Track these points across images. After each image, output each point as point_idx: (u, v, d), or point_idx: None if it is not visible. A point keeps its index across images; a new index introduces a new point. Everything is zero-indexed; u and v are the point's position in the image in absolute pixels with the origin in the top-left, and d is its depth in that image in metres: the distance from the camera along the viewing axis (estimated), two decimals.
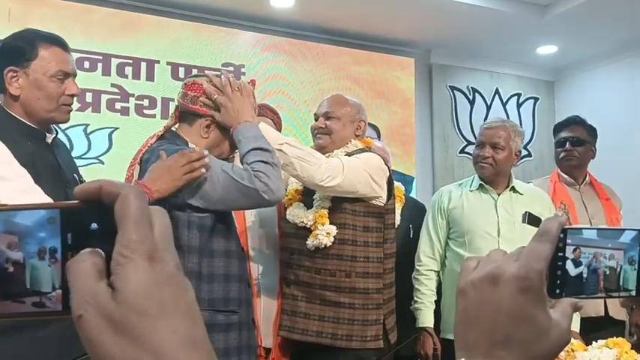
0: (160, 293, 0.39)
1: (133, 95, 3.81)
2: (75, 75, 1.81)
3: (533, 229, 2.59)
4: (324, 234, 2.12)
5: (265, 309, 2.24)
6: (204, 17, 4.09)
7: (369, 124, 4.54)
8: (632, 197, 4.17)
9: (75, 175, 1.84)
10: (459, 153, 5.00)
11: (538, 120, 5.37)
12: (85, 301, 0.38)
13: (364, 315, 2.15)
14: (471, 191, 2.63)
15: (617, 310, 2.75)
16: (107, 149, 3.70)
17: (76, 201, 0.41)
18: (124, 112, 3.78)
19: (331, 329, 2.11)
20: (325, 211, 2.16)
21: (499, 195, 2.62)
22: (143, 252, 0.39)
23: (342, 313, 2.13)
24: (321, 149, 2.25)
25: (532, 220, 2.59)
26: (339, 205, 2.17)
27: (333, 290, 2.14)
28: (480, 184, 2.63)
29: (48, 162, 1.74)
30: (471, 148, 5.02)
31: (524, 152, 5.24)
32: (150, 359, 0.37)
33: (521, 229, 2.56)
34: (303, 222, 2.17)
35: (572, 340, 1.83)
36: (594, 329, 1.94)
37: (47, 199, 1.52)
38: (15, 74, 1.71)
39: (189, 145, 1.95)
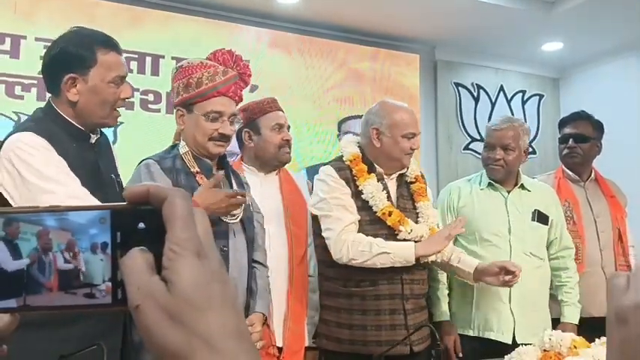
0: (209, 287, 0.42)
1: (137, 90, 3.81)
2: (126, 76, 1.79)
3: (542, 227, 2.60)
4: (444, 250, 2.27)
5: (276, 308, 2.24)
6: (210, 12, 4.09)
7: None
8: (638, 195, 4.16)
9: (112, 175, 1.83)
10: (463, 150, 5.00)
11: (543, 117, 5.35)
12: (141, 292, 0.42)
13: (420, 317, 2.34)
14: (481, 189, 2.63)
15: None
16: (112, 143, 3.69)
17: (125, 203, 0.45)
18: (129, 106, 3.76)
19: (424, 334, 2.24)
20: (435, 227, 2.32)
21: (509, 192, 2.62)
22: (192, 249, 0.42)
23: (423, 316, 2.34)
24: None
25: (540, 218, 2.60)
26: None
27: (423, 297, 2.36)
28: (490, 182, 2.63)
29: (88, 163, 1.73)
30: (475, 145, 5.03)
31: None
32: (202, 348, 0.41)
33: (530, 226, 2.57)
34: (423, 236, 2.25)
35: (574, 336, 1.84)
36: (599, 329, 1.94)
37: (94, 201, 1.56)
38: (74, 81, 1.70)
39: (180, 146, 1.98)
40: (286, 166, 2.57)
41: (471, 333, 2.51)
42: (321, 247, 2.31)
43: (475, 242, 2.56)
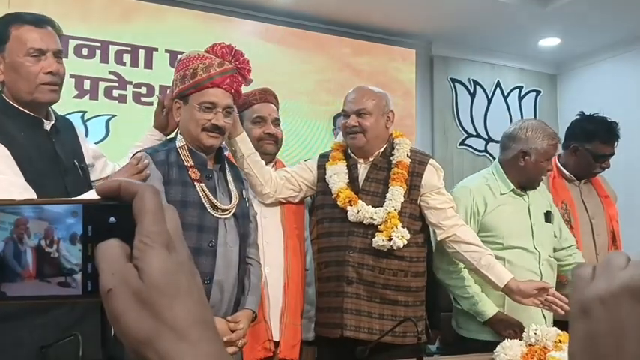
0: (177, 277, 0.44)
1: (130, 83, 3.81)
2: (56, 51, 1.76)
3: (551, 226, 2.55)
4: (400, 236, 2.18)
5: (272, 302, 2.22)
6: (204, 5, 4.08)
7: None
8: (634, 192, 4.15)
9: (76, 161, 1.81)
10: (459, 145, 4.99)
11: (540, 113, 5.33)
12: (115, 277, 0.43)
13: (414, 312, 2.25)
14: (502, 194, 2.54)
15: None
16: (104, 136, 3.70)
17: (98, 198, 0.47)
18: (122, 99, 3.78)
19: (390, 327, 2.15)
20: (396, 213, 2.21)
21: (528, 196, 2.58)
22: (161, 241, 0.44)
23: (398, 311, 2.21)
24: (358, 149, 2.32)
25: (549, 218, 2.60)
26: (404, 208, 2.25)
27: (393, 289, 2.23)
28: (512, 188, 2.56)
29: (44, 151, 1.71)
30: (470, 141, 5.02)
31: None
32: (167, 332, 0.42)
33: (545, 228, 2.55)
34: (372, 220, 2.21)
35: (559, 330, 1.83)
36: None
37: (32, 192, 1.55)
38: None
39: (177, 139, 2.00)
40: (282, 160, 2.56)
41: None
42: (320, 236, 2.38)
43: (502, 249, 2.46)
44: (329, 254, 2.29)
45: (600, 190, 2.94)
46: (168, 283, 0.43)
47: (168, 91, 2.11)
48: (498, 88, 5.17)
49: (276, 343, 2.20)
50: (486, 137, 5.10)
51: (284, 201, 2.34)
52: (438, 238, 2.32)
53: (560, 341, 1.75)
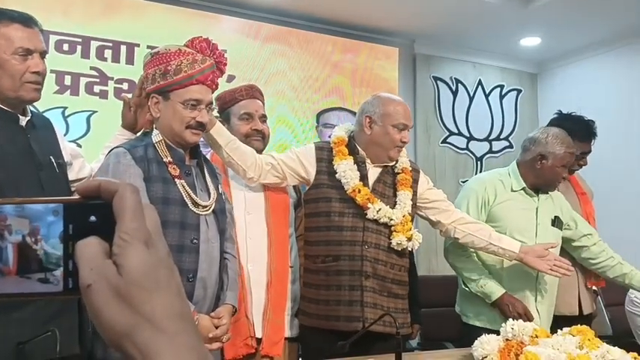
0: (156, 272, 0.45)
1: (112, 78, 3.78)
2: (42, 52, 1.77)
3: (558, 232, 2.61)
4: (416, 238, 2.33)
5: (255, 299, 2.22)
6: (187, 2, 4.05)
7: (352, 112, 4.60)
8: (612, 190, 4.21)
9: (51, 157, 1.80)
10: (441, 143, 5.03)
11: (520, 111, 5.40)
12: (94, 272, 0.44)
13: (404, 304, 2.39)
14: (513, 191, 2.63)
15: (587, 306, 2.80)
16: (85, 132, 3.67)
17: (78, 197, 0.47)
18: (103, 95, 3.75)
19: (395, 319, 2.19)
20: (409, 216, 2.35)
21: (539, 198, 2.65)
22: (140, 238, 0.45)
23: (398, 304, 2.35)
24: (392, 159, 2.41)
25: (558, 223, 2.66)
26: (412, 208, 2.40)
27: (397, 283, 2.35)
28: (523, 187, 2.63)
29: (19, 146, 1.71)
30: (452, 139, 5.06)
31: (505, 143, 5.30)
32: (145, 325, 0.43)
33: (551, 231, 2.62)
34: (390, 220, 2.28)
35: (535, 326, 1.86)
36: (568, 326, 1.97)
37: None
38: None
39: (153, 134, 1.96)
40: None
41: (496, 327, 2.38)
42: (306, 228, 2.39)
43: None
44: (339, 248, 2.28)
45: (577, 188, 2.99)
46: (147, 278, 0.44)
47: (138, 88, 2.07)
48: (480, 86, 5.22)
49: (259, 340, 2.20)
50: (468, 135, 5.15)
51: (269, 185, 2.36)
52: (447, 222, 2.43)
53: (536, 336, 1.78)
